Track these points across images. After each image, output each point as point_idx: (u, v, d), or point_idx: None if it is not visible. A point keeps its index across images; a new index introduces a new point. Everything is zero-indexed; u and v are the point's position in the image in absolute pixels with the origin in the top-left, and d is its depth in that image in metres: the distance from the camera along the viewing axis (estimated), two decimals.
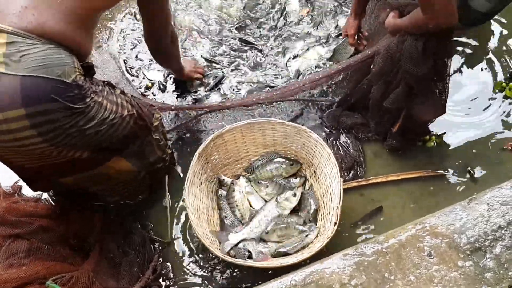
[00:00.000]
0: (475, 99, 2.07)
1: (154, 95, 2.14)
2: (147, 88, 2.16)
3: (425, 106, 1.70)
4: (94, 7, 1.31)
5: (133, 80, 2.18)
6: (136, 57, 2.27)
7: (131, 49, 2.30)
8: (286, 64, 2.23)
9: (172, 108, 1.95)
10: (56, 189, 1.73)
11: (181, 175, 1.91)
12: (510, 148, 1.89)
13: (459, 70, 2.16)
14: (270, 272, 1.60)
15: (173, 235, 1.76)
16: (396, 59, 1.62)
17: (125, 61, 2.25)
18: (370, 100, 1.85)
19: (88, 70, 1.35)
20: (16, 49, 1.14)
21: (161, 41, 1.68)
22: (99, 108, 1.30)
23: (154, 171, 1.72)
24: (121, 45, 2.31)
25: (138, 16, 2.36)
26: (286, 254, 1.61)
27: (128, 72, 2.21)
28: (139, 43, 2.31)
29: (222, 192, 1.82)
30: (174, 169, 1.91)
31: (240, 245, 1.62)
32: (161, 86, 2.17)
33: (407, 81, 1.62)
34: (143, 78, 2.20)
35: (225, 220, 1.74)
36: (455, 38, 2.17)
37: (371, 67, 1.77)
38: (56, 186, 1.67)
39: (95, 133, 1.31)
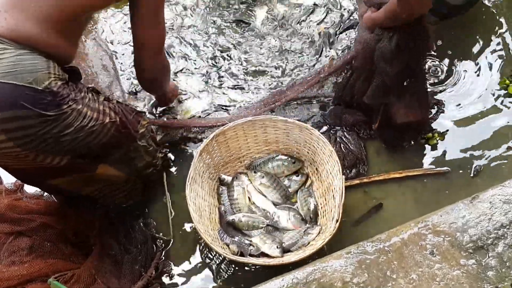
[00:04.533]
0: (478, 97, 2.06)
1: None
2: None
3: (401, 106, 1.72)
4: (72, 11, 1.24)
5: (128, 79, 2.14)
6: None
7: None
8: None
9: (160, 122, 1.92)
10: (50, 191, 1.72)
11: (182, 173, 1.91)
12: None
13: (462, 68, 2.15)
14: (272, 269, 1.60)
15: (175, 233, 1.76)
16: (373, 56, 1.63)
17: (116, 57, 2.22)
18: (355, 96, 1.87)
19: (73, 74, 1.32)
20: None
21: (157, 62, 1.57)
22: (77, 115, 1.26)
23: (146, 175, 1.71)
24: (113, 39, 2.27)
25: None
26: (288, 251, 1.61)
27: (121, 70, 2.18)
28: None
29: (223, 188, 1.82)
30: (170, 172, 1.90)
31: (242, 239, 1.63)
32: None
33: (384, 79, 1.64)
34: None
35: (224, 214, 1.75)
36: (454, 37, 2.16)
37: (352, 62, 1.79)
38: (46, 189, 1.66)
39: (72, 140, 1.28)
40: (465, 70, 2.13)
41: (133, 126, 1.52)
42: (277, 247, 1.59)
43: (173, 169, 1.92)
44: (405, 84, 1.69)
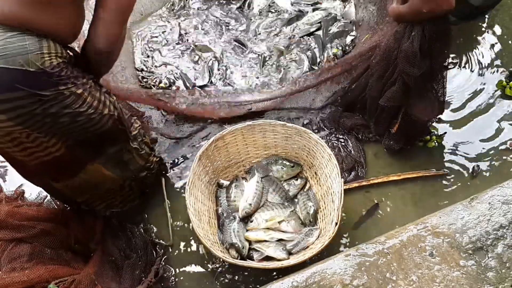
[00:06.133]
0: (476, 98, 2.07)
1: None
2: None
3: (422, 106, 1.70)
4: None
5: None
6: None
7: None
8: None
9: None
10: (53, 193, 1.72)
11: (182, 178, 1.92)
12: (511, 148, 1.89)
13: (460, 69, 2.16)
14: (271, 273, 1.60)
15: (174, 238, 1.76)
16: (394, 56, 1.62)
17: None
18: (367, 98, 1.85)
19: (81, 60, 1.31)
20: None
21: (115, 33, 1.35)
22: (76, 99, 1.26)
23: (140, 179, 1.71)
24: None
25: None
26: (289, 253, 1.61)
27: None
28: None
29: (222, 191, 1.83)
30: (166, 177, 1.90)
31: (239, 243, 1.63)
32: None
33: (404, 79, 1.62)
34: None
35: (221, 216, 1.76)
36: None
37: (371, 59, 1.77)
38: (52, 192, 1.67)
39: (70, 123, 1.29)
40: (462, 72, 2.15)
41: (128, 125, 1.53)
42: (282, 249, 1.60)
43: (173, 173, 1.93)
44: (426, 84, 1.67)
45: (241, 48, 2.33)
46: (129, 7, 1.31)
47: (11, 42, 1.14)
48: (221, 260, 1.66)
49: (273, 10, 2.48)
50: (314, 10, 2.46)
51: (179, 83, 2.20)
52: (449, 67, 2.11)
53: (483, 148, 1.91)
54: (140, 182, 1.74)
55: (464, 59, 2.19)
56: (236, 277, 1.66)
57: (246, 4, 2.51)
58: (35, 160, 1.39)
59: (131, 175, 1.66)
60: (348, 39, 2.31)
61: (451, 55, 2.15)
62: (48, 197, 1.79)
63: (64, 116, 1.26)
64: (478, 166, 1.85)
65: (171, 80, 2.21)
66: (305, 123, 2.03)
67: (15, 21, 1.15)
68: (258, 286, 1.59)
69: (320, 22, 2.39)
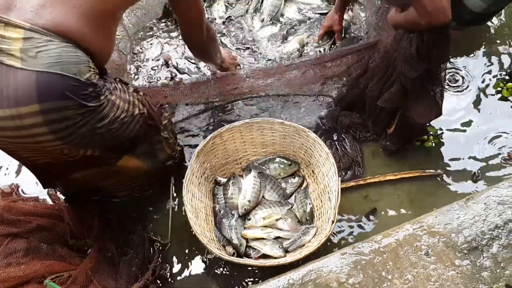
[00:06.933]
0: (472, 99, 2.08)
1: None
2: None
3: (420, 108, 1.70)
4: (112, 6, 1.28)
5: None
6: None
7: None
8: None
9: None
10: (64, 186, 1.72)
11: (180, 176, 1.92)
12: (510, 158, 1.89)
13: (457, 71, 2.17)
14: (268, 271, 1.60)
15: (172, 234, 1.76)
16: (393, 58, 1.62)
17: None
18: (366, 98, 1.86)
19: (101, 70, 1.34)
20: (33, 45, 1.13)
21: (196, 37, 1.65)
22: (112, 106, 1.29)
23: (164, 168, 1.72)
24: None
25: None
26: (286, 251, 1.62)
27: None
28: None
29: (219, 188, 1.84)
30: (184, 166, 1.89)
31: (236, 241, 1.63)
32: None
33: (402, 82, 1.63)
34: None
35: (218, 213, 1.77)
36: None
37: (370, 62, 1.77)
38: (64, 183, 1.67)
39: (107, 132, 1.30)
40: (459, 73, 2.15)
41: (158, 118, 1.55)
42: (279, 247, 1.60)
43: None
44: (424, 86, 1.67)
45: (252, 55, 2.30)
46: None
47: (66, 52, 1.17)
48: (217, 257, 1.66)
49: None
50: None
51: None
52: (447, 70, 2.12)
53: (480, 149, 1.92)
54: (164, 170, 1.75)
55: (460, 60, 2.20)
56: (232, 274, 1.66)
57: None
58: (59, 161, 1.39)
59: (159, 164, 1.67)
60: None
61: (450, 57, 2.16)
62: (44, 191, 1.79)
63: (102, 127, 1.28)
64: (474, 166, 1.86)
65: (173, 74, 2.21)
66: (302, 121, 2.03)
67: (71, 34, 1.19)
68: (254, 283, 1.60)
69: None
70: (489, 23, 2.29)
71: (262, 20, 2.40)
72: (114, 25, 1.35)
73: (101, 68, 1.34)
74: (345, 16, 2.27)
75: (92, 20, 1.22)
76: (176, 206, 1.81)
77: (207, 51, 1.78)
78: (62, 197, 1.77)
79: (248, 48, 2.31)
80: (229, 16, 2.43)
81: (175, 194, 1.83)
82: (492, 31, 2.30)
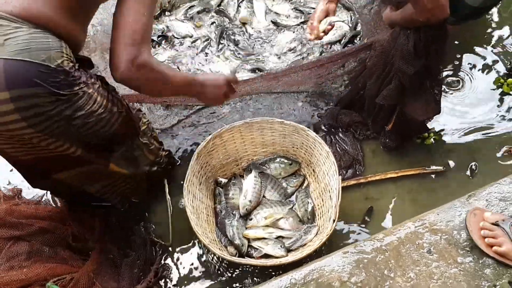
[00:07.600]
0: (473, 96, 2.07)
1: None
2: None
3: (418, 105, 1.70)
4: None
5: None
6: None
7: None
8: None
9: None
10: (55, 188, 1.72)
11: (181, 176, 1.91)
12: (509, 153, 1.88)
13: (457, 67, 2.16)
14: (270, 270, 1.60)
15: (173, 236, 1.76)
16: (390, 55, 1.62)
17: None
18: (366, 96, 1.85)
19: (84, 62, 1.33)
20: (1, 32, 1.13)
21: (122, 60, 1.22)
22: (88, 99, 1.27)
23: (151, 174, 1.71)
24: None
25: None
26: (288, 250, 1.62)
27: None
28: None
29: (220, 189, 1.84)
30: (176, 169, 1.90)
31: (238, 241, 1.63)
32: None
33: (400, 78, 1.62)
34: None
35: (220, 213, 1.77)
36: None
37: (366, 61, 1.77)
38: (54, 185, 1.66)
39: (83, 125, 1.28)
40: (460, 70, 2.15)
41: (136, 121, 1.53)
42: (281, 247, 1.60)
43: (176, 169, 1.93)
44: (422, 83, 1.67)
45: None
46: None
47: (35, 38, 1.15)
48: (219, 257, 1.66)
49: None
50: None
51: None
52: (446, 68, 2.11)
53: (481, 145, 1.91)
54: (151, 176, 1.74)
55: (462, 56, 2.19)
56: (234, 274, 1.66)
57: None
58: (42, 156, 1.38)
59: (143, 171, 1.66)
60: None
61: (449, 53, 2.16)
62: (46, 195, 1.80)
63: (77, 119, 1.26)
64: (475, 163, 1.86)
65: None
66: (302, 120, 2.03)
67: (40, 20, 1.17)
68: (256, 283, 1.60)
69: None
70: (487, 17, 2.28)
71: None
72: (87, 15, 1.31)
73: (86, 61, 1.32)
74: (347, 16, 2.26)
75: (63, 7, 1.19)
76: (172, 209, 1.81)
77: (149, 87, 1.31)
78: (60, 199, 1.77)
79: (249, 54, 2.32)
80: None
81: (169, 197, 1.83)
82: (492, 25, 2.29)
